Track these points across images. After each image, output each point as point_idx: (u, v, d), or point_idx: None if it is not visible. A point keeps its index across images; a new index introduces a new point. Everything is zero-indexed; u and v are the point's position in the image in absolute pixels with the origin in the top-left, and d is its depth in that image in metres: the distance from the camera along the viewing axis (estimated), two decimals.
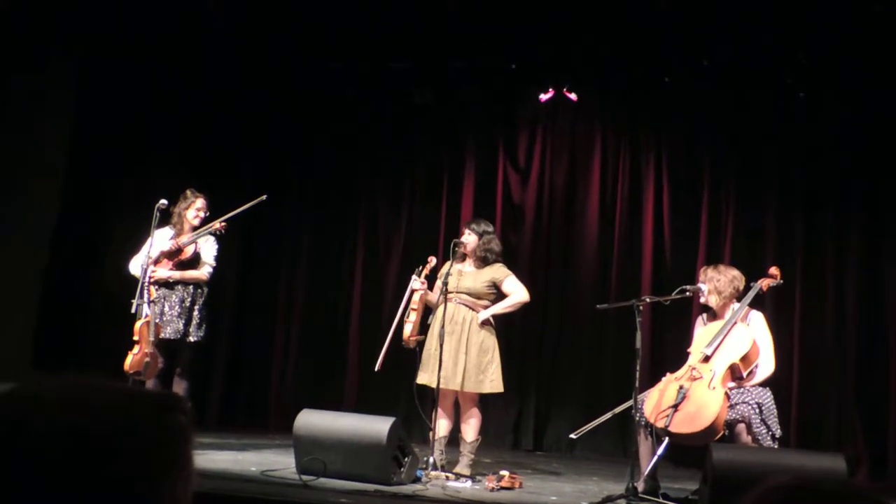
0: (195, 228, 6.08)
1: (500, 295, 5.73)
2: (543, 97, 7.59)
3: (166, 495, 0.85)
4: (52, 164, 7.19)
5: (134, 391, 0.92)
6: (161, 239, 5.98)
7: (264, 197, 6.19)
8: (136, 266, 5.89)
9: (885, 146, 6.88)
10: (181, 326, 5.93)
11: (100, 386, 0.89)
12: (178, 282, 5.98)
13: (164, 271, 5.94)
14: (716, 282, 5.34)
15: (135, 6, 6.96)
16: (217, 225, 6.04)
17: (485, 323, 5.59)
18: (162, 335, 5.83)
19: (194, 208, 6.08)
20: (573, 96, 7.55)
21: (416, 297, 5.65)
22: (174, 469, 0.87)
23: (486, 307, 5.64)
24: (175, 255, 5.97)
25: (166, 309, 5.92)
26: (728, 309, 5.33)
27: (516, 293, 5.70)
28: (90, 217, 7.31)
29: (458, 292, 5.59)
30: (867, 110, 6.91)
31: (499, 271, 5.71)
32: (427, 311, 5.72)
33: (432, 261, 5.86)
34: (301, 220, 7.99)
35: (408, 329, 5.57)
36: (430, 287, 5.77)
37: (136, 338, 5.71)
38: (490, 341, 5.59)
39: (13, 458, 0.82)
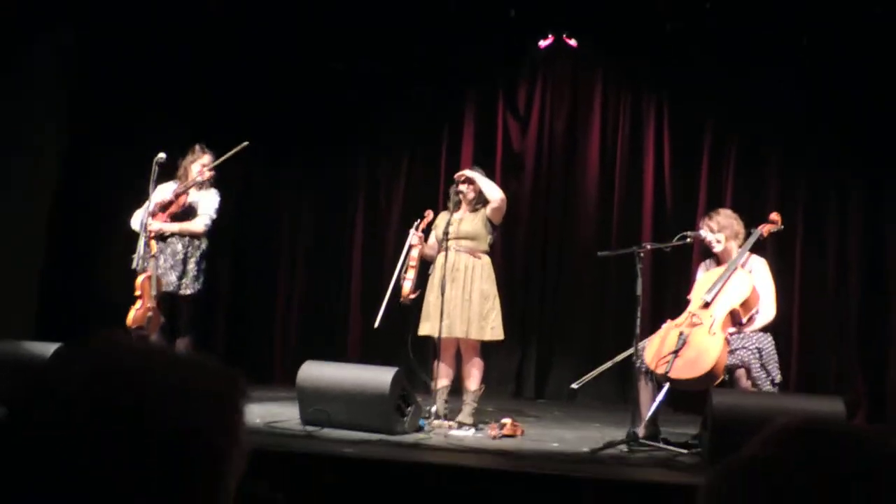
0: (199, 184, 6.05)
1: (496, 233, 5.77)
2: (543, 44, 7.51)
3: (225, 483, 0.82)
4: (52, 124, 7.15)
5: (192, 360, 0.88)
6: (162, 192, 5.96)
7: (246, 143, 6.14)
8: (136, 221, 5.88)
9: (888, 98, 6.81)
10: (174, 279, 5.90)
11: (162, 357, 0.86)
12: (172, 234, 5.96)
13: (158, 223, 5.92)
14: (718, 226, 5.32)
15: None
16: (205, 174, 6.01)
17: (486, 268, 5.58)
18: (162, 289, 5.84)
19: (199, 163, 6.05)
20: (573, 42, 7.46)
21: (413, 252, 5.65)
22: (223, 445, 0.85)
23: (485, 252, 5.63)
24: (167, 206, 5.95)
25: (161, 262, 5.90)
26: (730, 254, 5.33)
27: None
28: (92, 173, 7.27)
29: (457, 239, 5.58)
30: (866, 55, 6.83)
31: (485, 208, 5.70)
32: (424, 264, 5.72)
33: (429, 214, 5.85)
34: (302, 175, 7.95)
35: (406, 286, 5.58)
36: (427, 240, 5.77)
37: (137, 292, 5.72)
38: (492, 289, 5.60)
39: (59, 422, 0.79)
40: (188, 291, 5.97)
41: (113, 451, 0.79)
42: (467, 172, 5.73)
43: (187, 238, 5.98)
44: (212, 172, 6.05)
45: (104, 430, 0.79)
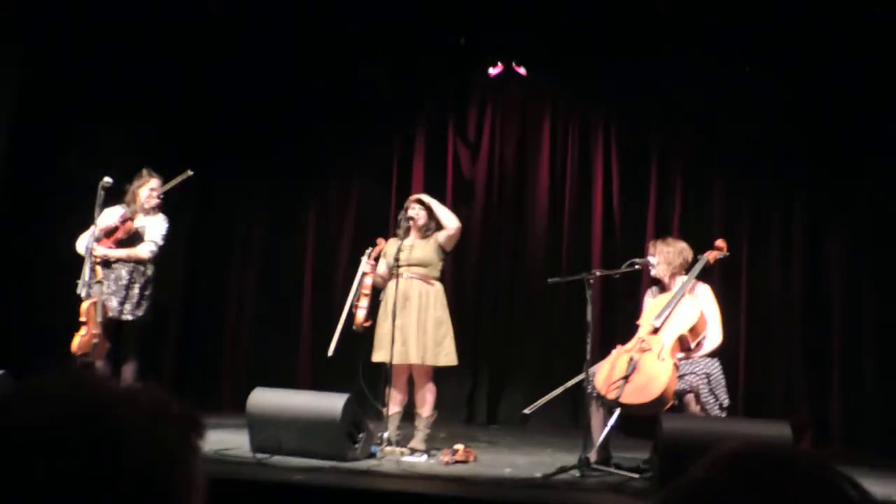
0: (148, 210, 6.00)
1: (447, 259, 5.80)
2: (493, 71, 7.59)
3: None
4: None
5: (157, 399, 0.88)
6: (108, 217, 5.88)
7: (190, 172, 6.17)
8: (81, 244, 5.80)
9: (829, 120, 7.01)
10: (116, 304, 5.82)
11: (109, 390, 0.86)
12: (118, 259, 5.89)
13: (104, 249, 5.84)
14: (665, 254, 5.41)
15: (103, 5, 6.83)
16: (152, 200, 5.97)
17: (439, 294, 5.60)
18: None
19: (147, 187, 6.00)
20: (522, 70, 7.56)
21: (367, 280, 5.64)
22: (181, 488, 0.84)
23: (437, 279, 5.65)
24: (112, 232, 5.88)
25: (104, 287, 5.82)
26: (676, 281, 5.41)
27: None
28: (35, 196, 7.13)
29: (409, 266, 5.58)
30: (812, 86, 7.02)
31: (439, 233, 5.72)
32: (375, 292, 5.71)
33: (381, 242, 5.84)
34: (251, 201, 7.90)
35: (361, 315, 5.56)
36: (377, 268, 5.78)
37: (83, 318, 5.62)
38: (445, 315, 5.61)
39: (19, 457, 0.79)
40: (129, 317, 5.88)
41: (72, 493, 0.79)
42: (423, 197, 5.75)
43: (132, 264, 5.91)
44: (158, 199, 6.00)
45: (64, 470, 0.79)
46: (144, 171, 6.05)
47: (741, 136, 7.24)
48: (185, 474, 0.85)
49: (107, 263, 5.85)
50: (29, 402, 0.84)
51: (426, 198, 5.76)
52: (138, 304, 5.91)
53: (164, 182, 6.10)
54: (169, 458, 0.84)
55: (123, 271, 5.89)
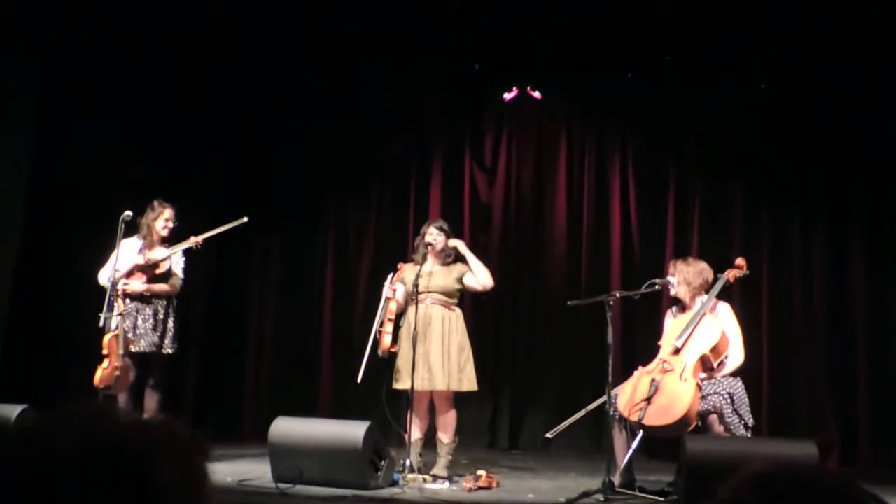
0: (164, 239, 6.04)
1: (465, 291, 5.78)
2: (508, 96, 7.63)
3: None
4: (15, 178, 7.08)
5: (157, 426, 0.92)
6: (128, 250, 5.92)
7: (245, 219, 6.25)
8: (104, 276, 5.83)
9: (849, 137, 6.98)
10: (157, 339, 5.89)
11: (123, 421, 0.89)
12: (152, 295, 5.94)
13: (139, 284, 5.90)
14: (685, 274, 5.39)
15: (103, 7, 6.89)
16: (194, 242, 6.02)
17: (460, 319, 5.59)
18: (136, 349, 5.80)
19: (163, 219, 6.03)
20: (537, 94, 7.58)
21: (391, 305, 5.64)
22: None
23: (457, 304, 5.65)
24: (151, 268, 5.94)
25: (139, 322, 5.87)
26: (697, 301, 5.38)
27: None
28: (55, 230, 7.20)
29: (430, 292, 5.58)
30: (830, 102, 7.00)
31: (463, 267, 5.74)
32: (398, 317, 5.71)
33: (402, 268, 5.84)
34: (270, 230, 7.93)
35: (387, 340, 5.55)
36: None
37: (105, 351, 5.65)
38: (466, 340, 5.61)
39: (36, 486, 0.82)
40: (169, 351, 5.97)
41: None
42: (460, 247, 5.71)
43: (165, 298, 5.99)
44: (199, 241, 6.03)
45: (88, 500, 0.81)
46: (155, 203, 6.06)
47: (759, 152, 7.22)
48: (197, 501, 0.87)
49: (142, 298, 5.90)
50: (49, 436, 0.86)
51: (462, 247, 5.73)
52: (175, 338, 6.01)
53: (217, 225, 6.17)
54: (181, 487, 0.85)
55: (160, 306, 5.96)
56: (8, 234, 7.04)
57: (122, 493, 0.82)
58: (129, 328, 5.79)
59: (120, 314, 5.71)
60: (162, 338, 5.93)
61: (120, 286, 5.79)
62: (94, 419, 0.88)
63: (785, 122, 7.13)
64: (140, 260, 5.91)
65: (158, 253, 5.98)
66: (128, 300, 5.86)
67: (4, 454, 0.85)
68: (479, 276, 5.67)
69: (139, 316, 5.87)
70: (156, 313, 5.93)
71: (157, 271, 5.97)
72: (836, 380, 6.89)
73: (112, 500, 0.82)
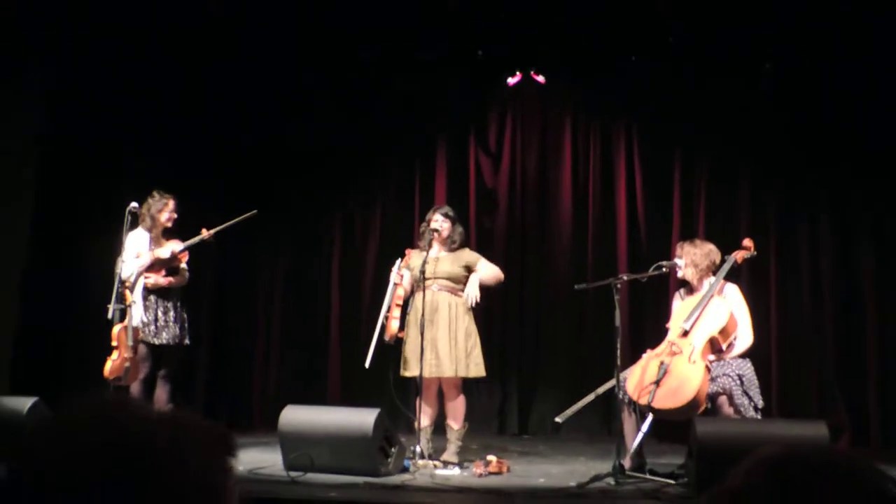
0: (167, 230, 6.04)
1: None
2: (511, 81, 7.59)
3: None
4: (23, 172, 7.10)
5: (183, 422, 0.92)
6: (135, 242, 5.92)
7: (255, 212, 6.28)
8: (128, 271, 5.81)
9: (856, 117, 6.94)
10: (177, 331, 5.94)
11: (145, 414, 0.90)
12: (170, 287, 5.98)
13: (160, 278, 5.92)
14: (692, 255, 5.38)
15: (110, 7, 6.89)
16: (206, 235, 6.04)
17: (468, 306, 5.60)
18: (159, 341, 5.84)
19: (168, 210, 6.03)
20: (541, 79, 7.55)
21: (399, 291, 5.64)
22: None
23: (462, 291, 5.64)
24: (171, 262, 5.96)
25: (159, 314, 5.89)
26: (704, 283, 5.37)
27: (492, 267, 5.77)
28: (63, 223, 7.22)
29: (436, 278, 5.58)
30: (836, 84, 6.95)
31: (470, 255, 5.75)
32: (405, 303, 5.71)
33: (410, 253, 5.84)
34: (276, 219, 7.93)
35: (394, 326, 5.55)
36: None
37: (114, 343, 5.67)
38: (472, 326, 5.61)
39: (54, 481, 0.82)
40: (187, 341, 6.06)
41: None
42: (472, 294, 5.62)
43: (180, 290, 6.05)
44: (212, 235, 6.07)
45: (111, 495, 0.82)
46: (156, 194, 6.04)
47: (765, 134, 7.18)
48: (220, 495, 0.86)
49: (163, 292, 5.93)
50: (71, 430, 0.86)
51: (474, 291, 5.61)
52: (189, 329, 6.09)
53: (226, 220, 6.20)
54: (204, 480, 0.85)
55: (177, 299, 6.01)
56: (17, 227, 7.06)
57: (145, 487, 0.83)
58: (149, 321, 5.82)
59: (128, 306, 5.73)
60: (182, 330, 5.98)
61: (140, 280, 5.81)
62: (116, 413, 0.88)
63: (791, 102, 7.09)
64: (166, 254, 5.93)
65: (176, 246, 6.00)
66: (151, 295, 5.88)
67: (27, 450, 0.85)
68: (493, 281, 5.72)
69: (159, 309, 5.90)
70: (175, 306, 5.98)
71: (177, 264, 6.01)
72: (845, 360, 6.87)
73: (135, 494, 0.82)
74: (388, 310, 5.60)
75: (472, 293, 5.57)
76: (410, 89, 7.67)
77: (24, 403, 5.17)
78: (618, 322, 5.10)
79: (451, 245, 5.72)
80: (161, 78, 7.39)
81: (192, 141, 7.61)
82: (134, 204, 5.85)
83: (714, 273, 5.38)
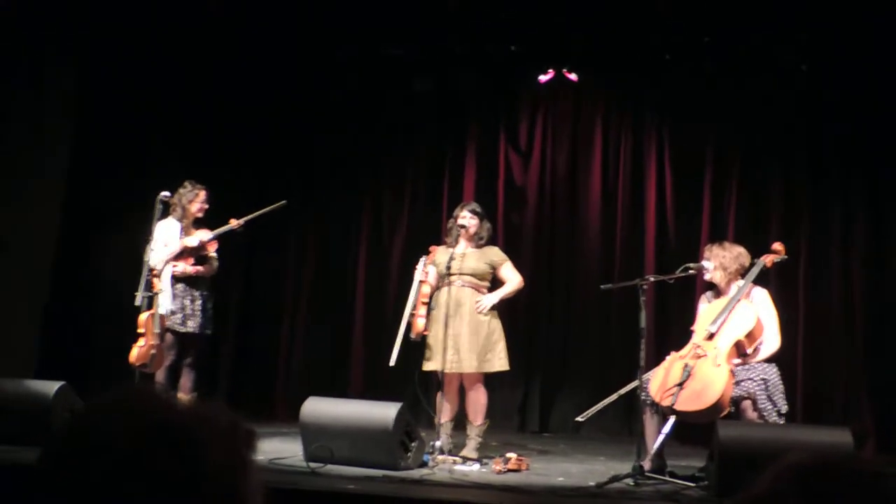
0: (198, 220, 6.08)
1: (495, 276, 5.76)
2: (543, 78, 7.56)
3: None
4: (55, 162, 7.19)
5: (201, 414, 0.93)
6: (165, 231, 5.96)
7: (284, 202, 6.33)
8: (158, 259, 5.86)
9: (887, 118, 6.84)
10: (202, 320, 6.00)
11: (171, 405, 0.91)
12: (198, 276, 6.02)
13: (189, 267, 5.97)
14: (721, 258, 5.33)
15: (134, 5, 6.95)
16: (236, 225, 6.08)
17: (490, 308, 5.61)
18: (185, 329, 5.90)
19: (199, 201, 6.08)
20: (573, 76, 7.52)
21: (424, 288, 5.64)
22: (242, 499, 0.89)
23: (488, 287, 5.64)
24: (200, 251, 6.00)
25: (186, 303, 5.93)
26: (732, 286, 5.32)
27: (514, 279, 5.77)
28: (93, 212, 7.30)
29: (461, 274, 5.58)
30: (870, 86, 6.87)
31: (497, 254, 5.75)
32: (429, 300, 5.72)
33: (434, 250, 5.84)
34: (304, 212, 7.96)
35: (420, 323, 5.56)
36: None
37: (141, 330, 5.72)
38: (496, 321, 5.61)
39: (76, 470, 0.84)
40: (209, 330, 6.09)
41: None
42: (487, 304, 5.62)
43: (208, 280, 6.10)
44: (241, 225, 6.10)
45: (136, 485, 0.83)
46: (188, 184, 6.09)
47: (798, 135, 7.11)
48: (244, 485, 0.88)
49: (192, 281, 5.98)
50: (98, 421, 0.88)
51: (496, 298, 5.66)
52: (213, 318, 6.12)
53: (256, 209, 6.23)
54: (230, 471, 0.86)
55: (204, 288, 6.05)
56: (48, 215, 7.15)
57: (170, 478, 0.83)
58: (177, 309, 5.86)
59: (155, 293, 5.77)
60: (207, 319, 6.03)
61: (168, 268, 5.86)
62: (143, 404, 0.89)
63: (824, 105, 7.01)
64: (194, 242, 5.97)
65: (205, 235, 6.04)
66: (179, 284, 5.92)
67: (56, 442, 0.86)
68: (515, 290, 5.76)
69: (186, 298, 5.94)
70: (203, 294, 6.03)
71: (205, 253, 6.05)
72: (872, 366, 6.79)
73: (160, 485, 0.83)
74: (414, 307, 5.60)
75: (488, 303, 5.58)
76: (442, 84, 7.66)
77: (51, 387, 5.22)
78: (643, 323, 5.07)
79: (479, 241, 5.71)
80: (192, 72, 7.45)
81: (222, 133, 7.66)
82: (165, 193, 5.89)
83: (743, 276, 5.33)
